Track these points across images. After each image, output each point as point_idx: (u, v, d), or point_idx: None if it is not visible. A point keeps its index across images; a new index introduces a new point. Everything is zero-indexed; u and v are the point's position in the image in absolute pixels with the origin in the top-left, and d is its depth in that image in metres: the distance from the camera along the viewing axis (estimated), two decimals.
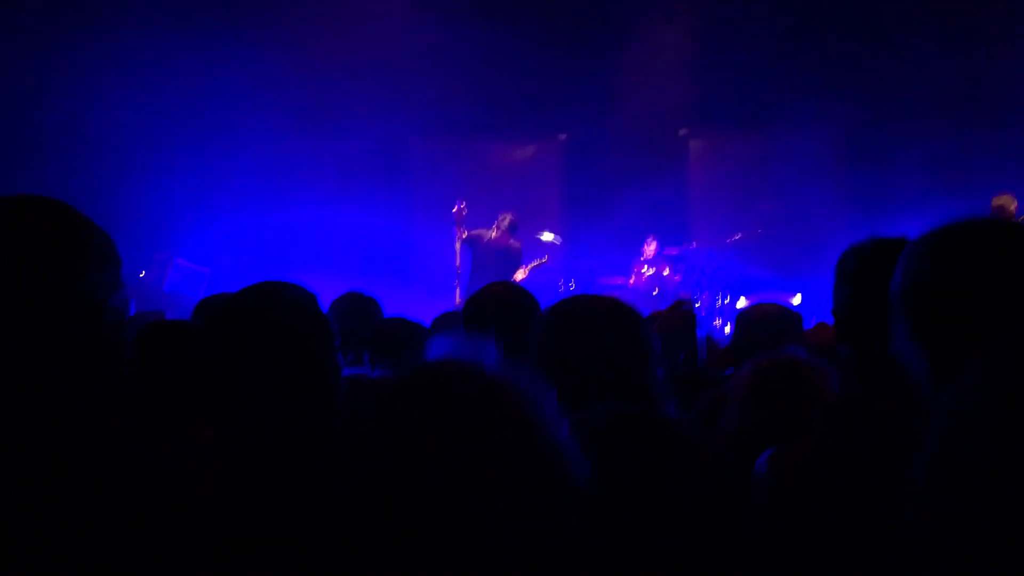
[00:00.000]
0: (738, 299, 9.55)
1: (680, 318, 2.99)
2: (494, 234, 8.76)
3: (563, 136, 10.92)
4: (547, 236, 9.58)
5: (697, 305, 8.56)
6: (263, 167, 9.66)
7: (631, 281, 9.51)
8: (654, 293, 9.25)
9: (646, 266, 9.54)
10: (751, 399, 2.04)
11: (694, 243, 9.81)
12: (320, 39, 9.55)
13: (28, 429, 1.08)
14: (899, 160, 9.26)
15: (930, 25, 9.07)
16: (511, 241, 8.84)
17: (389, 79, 9.89)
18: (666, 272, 9.51)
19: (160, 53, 8.70)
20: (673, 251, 9.63)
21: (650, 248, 9.62)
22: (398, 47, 9.89)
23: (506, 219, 8.84)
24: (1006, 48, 9.25)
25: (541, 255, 9.07)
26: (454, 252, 8.74)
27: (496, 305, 2.47)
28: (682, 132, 11.00)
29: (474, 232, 8.72)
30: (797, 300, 9.73)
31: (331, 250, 9.56)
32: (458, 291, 8.59)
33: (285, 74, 9.48)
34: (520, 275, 8.64)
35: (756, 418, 1.98)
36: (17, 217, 1.13)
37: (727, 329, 8.02)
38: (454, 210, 8.55)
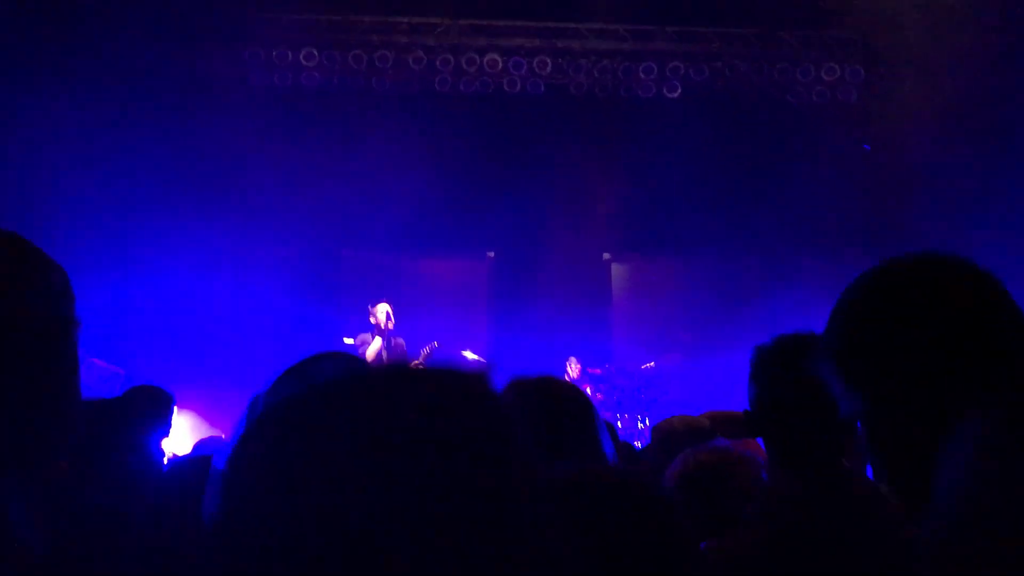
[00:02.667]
0: (657, 421, 9.64)
1: None
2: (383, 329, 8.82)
3: (491, 254, 11.12)
4: (470, 355, 9.63)
5: (619, 425, 8.69)
6: (182, 262, 9.57)
7: None
8: None
9: None
10: (684, 489, 2.05)
11: (607, 364, 9.98)
12: (252, 140, 9.67)
13: None
14: (812, 285, 9.65)
15: (825, 165, 9.70)
16: (398, 338, 8.89)
17: (319, 184, 10.03)
18: (588, 391, 9.60)
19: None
20: (596, 371, 9.77)
21: (573, 368, 9.73)
22: (331, 157, 10.10)
23: (385, 311, 8.86)
24: (910, 180, 9.82)
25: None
26: (381, 359, 8.73)
27: None
28: (606, 256, 11.33)
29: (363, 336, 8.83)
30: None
31: (248, 343, 9.39)
32: None
33: (208, 170, 9.56)
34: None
35: (690, 507, 2.00)
36: None
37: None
38: (377, 321, 8.64)
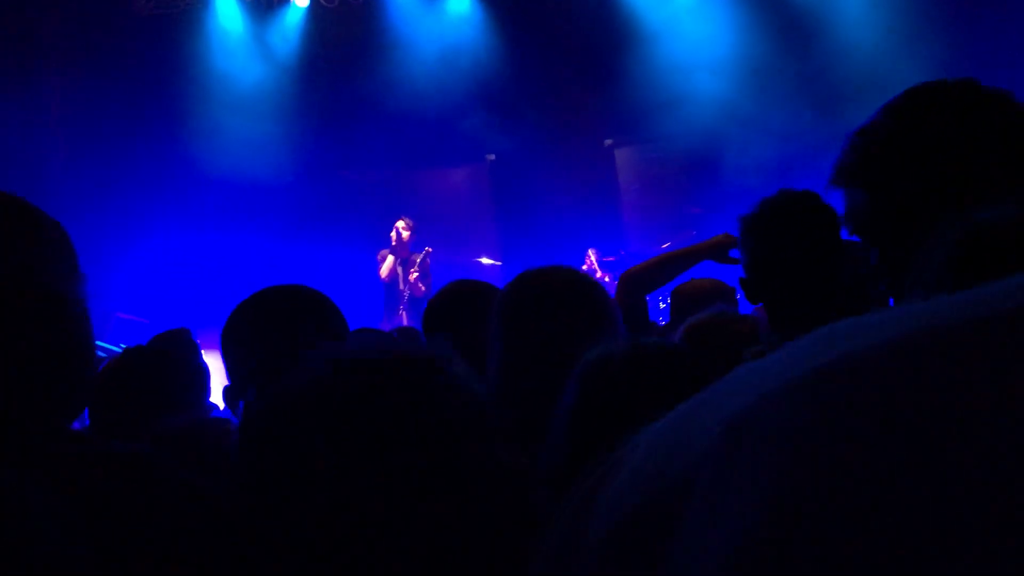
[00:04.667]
0: None
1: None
2: (396, 246, 8.86)
3: (491, 156, 11.02)
4: (486, 260, 9.67)
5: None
6: (193, 201, 9.59)
7: None
8: None
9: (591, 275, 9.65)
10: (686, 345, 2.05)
11: (621, 251, 9.98)
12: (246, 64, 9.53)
13: None
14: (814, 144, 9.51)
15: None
16: (415, 254, 8.94)
17: (316, 112, 9.93)
18: (607, 279, 9.64)
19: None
20: (611, 259, 9.79)
21: (592, 259, 9.77)
22: (325, 80, 9.95)
23: (395, 229, 8.89)
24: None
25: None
26: (396, 276, 8.79)
27: (456, 303, 2.36)
28: (608, 142, 11.20)
29: (383, 252, 8.87)
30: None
31: (267, 283, 9.47)
32: (404, 314, 8.59)
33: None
34: (413, 276, 8.72)
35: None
36: None
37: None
38: (397, 233, 8.68)
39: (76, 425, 1.41)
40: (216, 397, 2.13)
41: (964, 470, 0.27)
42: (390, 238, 8.87)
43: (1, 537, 0.67)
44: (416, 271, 8.76)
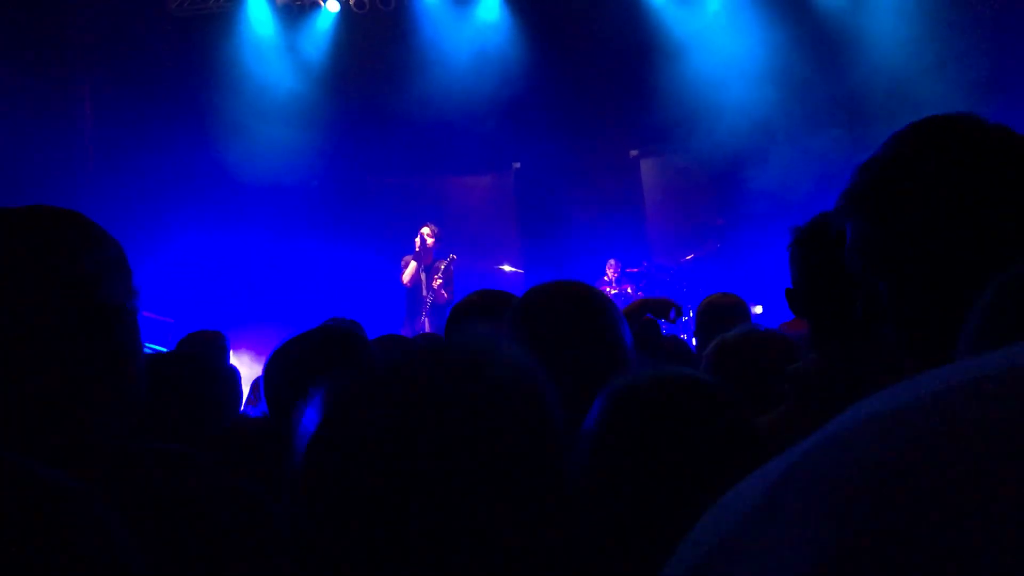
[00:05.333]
0: None
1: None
2: (420, 252, 8.90)
3: (517, 164, 11.05)
4: (508, 268, 9.69)
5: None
6: (220, 203, 9.69)
7: None
8: None
9: (609, 287, 9.65)
10: (714, 371, 2.06)
11: (644, 262, 9.96)
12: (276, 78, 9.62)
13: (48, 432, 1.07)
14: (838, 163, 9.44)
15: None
16: (439, 261, 8.97)
17: (343, 118, 10.01)
18: (629, 291, 9.63)
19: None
20: (633, 270, 9.78)
21: (611, 270, 9.75)
22: (353, 86, 10.04)
23: (420, 235, 8.91)
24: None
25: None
26: (419, 282, 8.82)
27: (479, 311, 2.38)
28: (633, 153, 11.19)
29: (406, 258, 8.91)
30: (759, 310, 9.88)
31: (290, 286, 9.57)
32: (426, 320, 8.62)
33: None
34: (437, 282, 8.74)
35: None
36: (31, 224, 1.14)
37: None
38: (421, 240, 8.73)
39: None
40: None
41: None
42: (414, 244, 8.90)
43: (75, 550, 0.69)
44: (440, 278, 8.78)
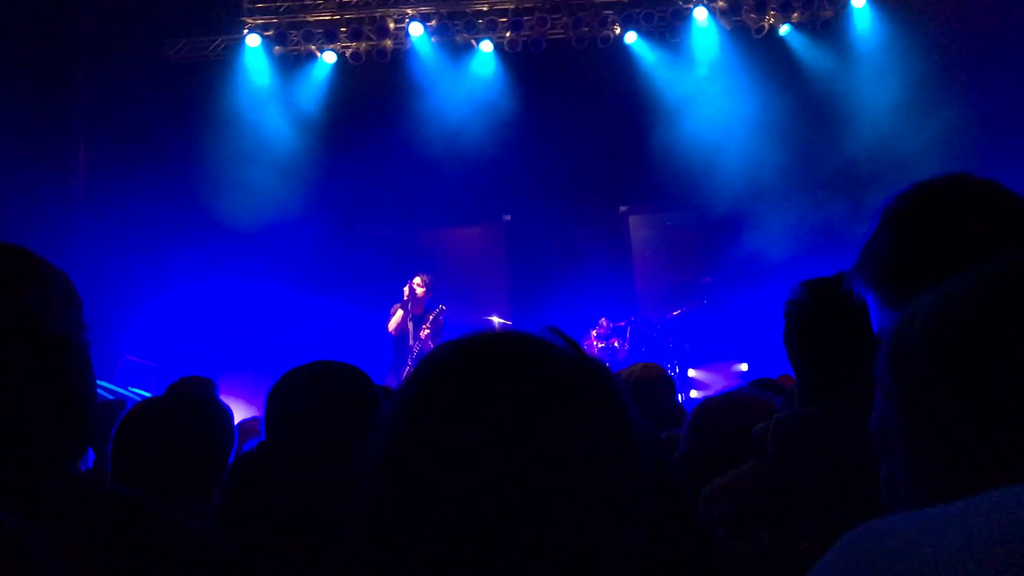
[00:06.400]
0: (687, 369, 9.70)
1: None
2: (409, 302, 8.88)
3: (507, 217, 11.11)
4: (497, 320, 9.68)
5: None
6: (208, 250, 9.67)
7: None
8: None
9: (597, 341, 9.66)
10: (693, 429, 2.09)
11: (631, 317, 9.99)
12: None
13: None
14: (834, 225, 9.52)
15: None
16: (429, 311, 8.96)
17: (336, 167, 10.07)
18: (616, 344, 9.64)
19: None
20: (620, 324, 9.80)
21: (599, 328, 9.78)
22: (346, 136, 10.12)
23: (409, 285, 8.91)
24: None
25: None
26: (406, 332, 8.80)
27: None
28: (622, 209, 11.29)
29: (394, 306, 8.90)
30: (744, 368, 9.89)
31: (279, 334, 9.51)
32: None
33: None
34: (424, 332, 8.72)
35: (699, 446, 2.03)
36: None
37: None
38: (411, 289, 8.72)
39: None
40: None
41: None
42: (402, 292, 8.90)
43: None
44: (428, 328, 8.77)
